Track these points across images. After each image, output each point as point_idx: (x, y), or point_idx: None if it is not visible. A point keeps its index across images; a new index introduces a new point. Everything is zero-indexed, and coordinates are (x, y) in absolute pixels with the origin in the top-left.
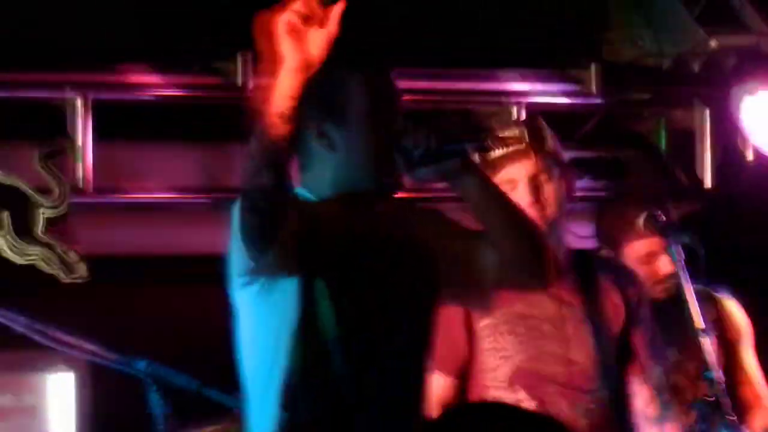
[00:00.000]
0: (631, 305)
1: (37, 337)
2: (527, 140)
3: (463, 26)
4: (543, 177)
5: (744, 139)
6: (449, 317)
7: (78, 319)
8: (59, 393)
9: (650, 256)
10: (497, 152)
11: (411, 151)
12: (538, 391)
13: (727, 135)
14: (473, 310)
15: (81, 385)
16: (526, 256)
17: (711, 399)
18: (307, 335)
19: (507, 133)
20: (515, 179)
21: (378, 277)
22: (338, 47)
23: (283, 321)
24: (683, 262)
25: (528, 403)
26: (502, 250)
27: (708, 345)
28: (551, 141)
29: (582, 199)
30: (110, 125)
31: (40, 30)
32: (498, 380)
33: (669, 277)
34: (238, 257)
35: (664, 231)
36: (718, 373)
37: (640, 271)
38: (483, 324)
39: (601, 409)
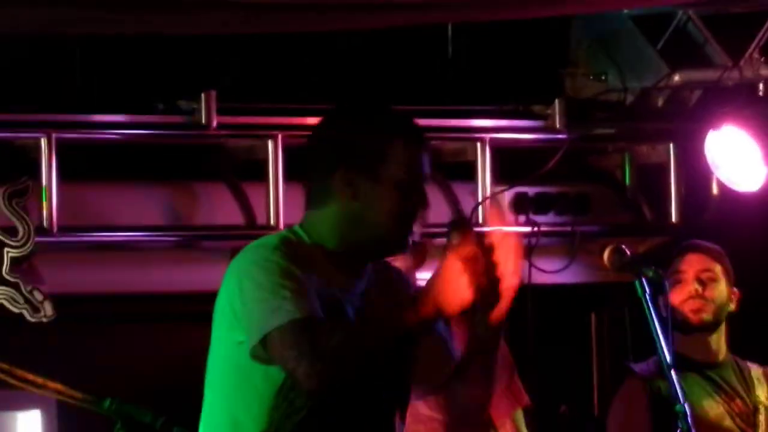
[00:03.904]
0: None
1: (4, 377)
2: None
3: (428, 63)
4: None
5: (709, 174)
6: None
7: (44, 358)
8: (28, 431)
9: None
10: None
11: None
12: None
13: (693, 169)
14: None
15: (49, 424)
16: None
17: None
18: (286, 398)
19: None
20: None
21: None
22: (377, 105)
23: (266, 382)
24: (649, 297)
25: None
26: None
27: (678, 378)
28: None
29: (547, 234)
30: (75, 165)
31: (4, 71)
32: None
33: None
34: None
35: (629, 265)
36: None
37: None
38: None
39: None
